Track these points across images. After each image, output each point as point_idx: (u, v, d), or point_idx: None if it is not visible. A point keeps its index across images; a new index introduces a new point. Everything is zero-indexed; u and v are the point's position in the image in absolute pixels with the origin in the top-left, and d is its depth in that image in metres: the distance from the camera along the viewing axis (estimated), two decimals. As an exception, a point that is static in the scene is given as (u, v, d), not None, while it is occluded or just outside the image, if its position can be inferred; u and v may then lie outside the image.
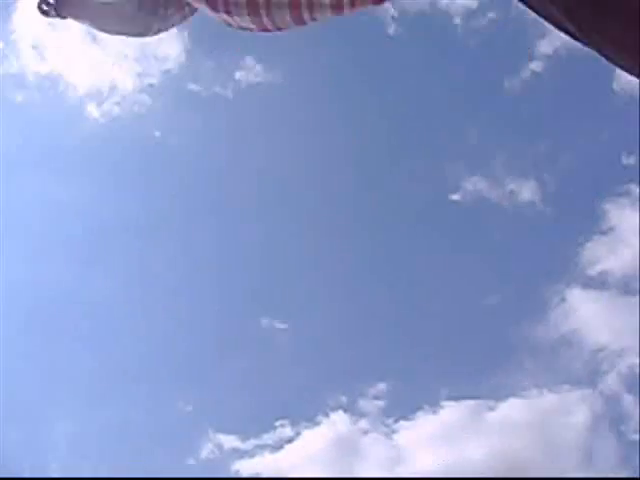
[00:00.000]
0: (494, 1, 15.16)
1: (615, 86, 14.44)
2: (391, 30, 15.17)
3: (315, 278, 15.64)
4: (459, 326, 14.54)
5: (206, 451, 14.30)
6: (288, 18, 3.19)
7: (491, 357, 14.41)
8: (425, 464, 13.99)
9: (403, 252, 15.41)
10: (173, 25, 3.88)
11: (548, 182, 15.07)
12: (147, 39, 3.94)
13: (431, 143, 15.65)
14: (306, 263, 15.52)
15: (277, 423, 14.26)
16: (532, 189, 14.88)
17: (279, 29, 3.29)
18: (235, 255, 15.71)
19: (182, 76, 15.70)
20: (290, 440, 14.28)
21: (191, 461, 14.22)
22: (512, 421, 14.13)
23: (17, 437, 14.14)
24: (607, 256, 14.51)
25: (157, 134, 15.84)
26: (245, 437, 14.26)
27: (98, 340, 15.16)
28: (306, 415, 14.44)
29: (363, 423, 14.45)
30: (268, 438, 14.20)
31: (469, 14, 15.09)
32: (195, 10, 3.70)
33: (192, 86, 15.69)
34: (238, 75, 15.50)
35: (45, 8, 3.85)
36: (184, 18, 3.83)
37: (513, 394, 14.12)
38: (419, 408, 14.22)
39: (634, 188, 14.41)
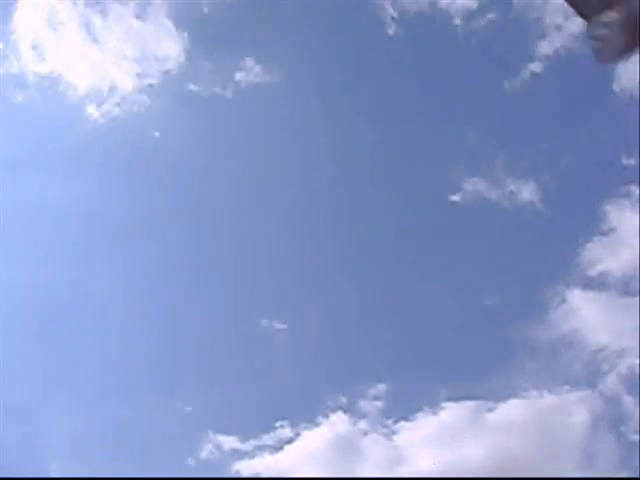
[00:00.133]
0: (494, 1, 15.17)
1: (615, 86, 14.48)
2: (391, 30, 15.21)
3: (315, 279, 15.66)
4: (459, 327, 14.54)
5: (206, 452, 14.33)
6: None
7: (491, 358, 14.42)
8: (425, 464, 14.01)
9: (403, 252, 15.42)
10: None
11: (548, 183, 15.09)
12: None
13: (431, 144, 15.66)
14: (306, 263, 15.52)
15: (277, 424, 14.28)
16: (532, 189, 14.89)
17: None
18: (235, 255, 15.73)
19: (182, 76, 15.73)
20: (290, 441, 14.31)
21: (191, 461, 14.26)
22: (512, 422, 14.14)
23: (17, 437, 14.18)
24: (607, 257, 14.54)
25: (156, 134, 15.86)
26: (245, 438, 14.29)
27: (98, 340, 15.18)
28: (306, 416, 14.46)
29: (363, 424, 14.46)
30: (268, 439, 14.23)
31: (469, 14, 15.12)
32: None
33: (192, 86, 15.71)
34: (238, 76, 15.53)
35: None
36: None
37: (513, 395, 14.14)
38: (419, 409, 14.24)
39: (634, 189, 14.44)
